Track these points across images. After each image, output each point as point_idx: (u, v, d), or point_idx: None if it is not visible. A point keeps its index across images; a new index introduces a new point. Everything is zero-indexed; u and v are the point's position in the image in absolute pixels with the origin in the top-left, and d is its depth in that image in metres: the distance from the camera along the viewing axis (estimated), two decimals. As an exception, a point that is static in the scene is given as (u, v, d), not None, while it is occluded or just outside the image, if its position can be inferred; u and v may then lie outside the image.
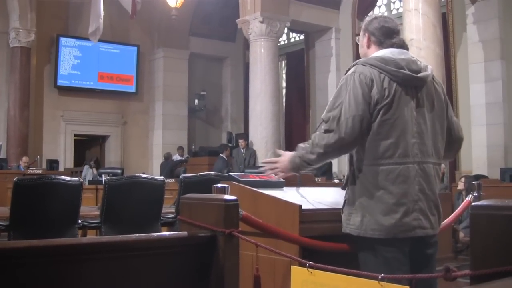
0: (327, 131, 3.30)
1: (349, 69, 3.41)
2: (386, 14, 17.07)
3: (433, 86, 3.46)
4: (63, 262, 2.46)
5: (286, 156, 3.55)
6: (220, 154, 15.88)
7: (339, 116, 3.26)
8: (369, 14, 3.78)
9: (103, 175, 11.74)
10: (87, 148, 20.21)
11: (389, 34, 3.49)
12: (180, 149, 19.18)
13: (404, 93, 3.29)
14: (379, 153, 3.24)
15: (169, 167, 17.99)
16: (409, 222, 3.21)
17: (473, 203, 2.14)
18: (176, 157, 18.93)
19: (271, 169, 3.67)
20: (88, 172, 16.45)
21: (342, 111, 3.26)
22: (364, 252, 3.29)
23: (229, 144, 17.16)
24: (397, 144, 3.24)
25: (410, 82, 3.33)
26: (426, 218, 3.28)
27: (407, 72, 3.31)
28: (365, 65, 3.33)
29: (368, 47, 3.56)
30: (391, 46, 3.45)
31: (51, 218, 5.77)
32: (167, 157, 18.79)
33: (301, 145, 3.47)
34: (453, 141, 3.62)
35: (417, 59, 3.49)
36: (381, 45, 3.48)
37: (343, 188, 3.48)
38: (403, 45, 3.49)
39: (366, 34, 3.57)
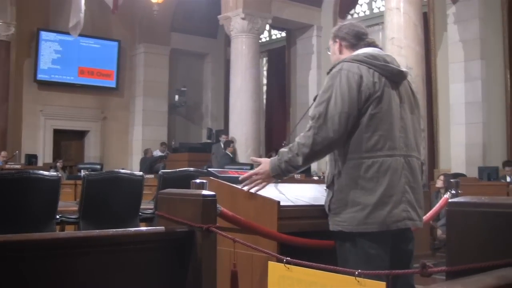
0: (313, 128, 3.29)
1: (332, 68, 3.40)
2: (367, 12, 17.21)
3: (407, 84, 3.51)
4: (40, 256, 2.45)
5: (267, 163, 3.48)
6: (225, 151, 15.75)
7: (325, 113, 3.26)
8: (338, 24, 3.75)
9: (82, 170, 11.69)
10: (67, 143, 20.06)
11: (359, 36, 3.54)
12: (163, 144, 19.09)
13: (390, 88, 3.33)
14: (370, 146, 3.25)
15: (149, 163, 17.94)
16: (398, 213, 3.22)
17: (449, 200, 2.15)
18: (157, 152, 18.85)
19: (252, 182, 3.52)
20: None
21: (328, 108, 3.26)
22: (345, 248, 3.29)
23: (233, 142, 16.67)
24: (386, 137, 3.26)
25: (395, 77, 3.37)
26: (414, 210, 3.31)
27: (394, 66, 3.36)
28: (352, 62, 3.34)
29: (341, 52, 3.57)
30: (368, 45, 3.48)
31: (29, 213, 5.74)
32: (146, 153, 18.74)
33: (283, 149, 3.41)
34: None
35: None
36: (354, 47, 3.51)
37: (328, 187, 3.43)
38: (377, 45, 3.53)
39: (337, 41, 3.60)
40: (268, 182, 3.51)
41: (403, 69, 3.46)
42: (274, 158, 3.45)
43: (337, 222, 3.30)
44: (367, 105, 3.25)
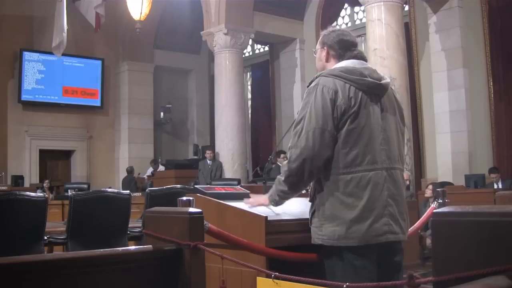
0: (290, 148, 3.33)
1: (312, 81, 3.42)
2: (349, 24, 17.26)
3: (392, 94, 3.51)
4: (28, 279, 2.44)
5: (265, 196, 3.60)
6: (277, 163, 15.63)
7: (301, 131, 3.29)
8: (328, 28, 3.73)
9: (69, 190, 11.66)
10: (53, 163, 19.96)
11: (348, 47, 3.52)
12: (153, 162, 18.94)
13: (369, 101, 3.33)
14: (348, 161, 3.25)
15: (133, 183, 17.78)
16: (379, 227, 3.22)
17: (434, 210, 2.16)
18: (150, 170, 18.75)
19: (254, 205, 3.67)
20: None
21: (304, 126, 3.29)
22: (333, 261, 3.29)
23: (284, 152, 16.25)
24: (365, 151, 3.27)
25: (374, 89, 3.36)
26: (396, 223, 3.30)
27: (371, 80, 3.34)
28: (328, 77, 3.34)
29: (327, 60, 3.56)
30: (353, 58, 3.47)
31: (16, 235, 5.71)
32: (130, 171, 18.63)
33: (278, 176, 3.49)
34: None
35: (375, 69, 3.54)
36: (341, 58, 3.50)
37: (311, 201, 3.47)
38: (363, 57, 3.52)
39: (325, 48, 3.58)
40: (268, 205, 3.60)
41: (384, 80, 3.45)
42: (271, 189, 3.55)
43: (318, 235, 3.31)
44: (343, 121, 3.26)
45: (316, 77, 3.40)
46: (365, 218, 3.21)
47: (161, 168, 18.62)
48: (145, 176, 18.71)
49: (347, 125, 3.26)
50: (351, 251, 3.22)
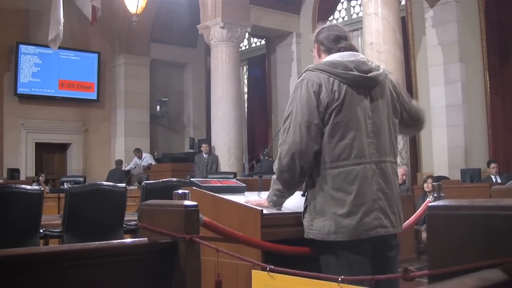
0: (280, 145, 3.36)
1: (301, 75, 3.43)
2: (346, 18, 17.25)
3: (386, 85, 3.50)
4: (21, 272, 2.43)
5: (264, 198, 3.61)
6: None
7: (288, 127, 3.32)
8: (320, 25, 3.73)
9: (65, 183, 11.65)
10: (49, 156, 19.94)
11: (335, 40, 3.52)
12: (136, 150, 18.86)
13: (356, 95, 3.32)
14: (335, 156, 3.26)
15: (119, 176, 17.62)
16: (369, 221, 3.22)
17: (429, 204, 2.16)
18: (136, 160, 18.70)
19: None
20: None
21: (291, 121, 3.30)
22: (326, 255, 3.30)
23: None
24: (352, 145, 3.27)
25: (360, 82, 3.35)
26: (386, 217, 3.30)
27: (356, 73, 3.34)
28: (313, 71, 3.36)
29: (319, 56, 3.58)
30: (339, 50, 3.47)
31: (12, 228, 5.71)
32: (118, 164, 18.55)
33: (272, 176, 3.49)
34: (414, 124, 3.79)
35: (367, 60, 3.54)
36: (330, 52, 3.50)
37: (303, 195, 3.48)
38: (352, 48, 3.52)
39: (316, 45, 3.60)
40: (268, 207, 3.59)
41: (374, 72, 3.43)
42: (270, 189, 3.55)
43: (309, 230, 3.33)
44: (328, 114, 3.26)
45: (304, 72, 3.43)
46: (355, 212, 3.22)
47: (145, 156, 18.61)
48: (130, 167, 18.65)
49: (332, 119, 3.26)
50: (344, 245, 3.23)
